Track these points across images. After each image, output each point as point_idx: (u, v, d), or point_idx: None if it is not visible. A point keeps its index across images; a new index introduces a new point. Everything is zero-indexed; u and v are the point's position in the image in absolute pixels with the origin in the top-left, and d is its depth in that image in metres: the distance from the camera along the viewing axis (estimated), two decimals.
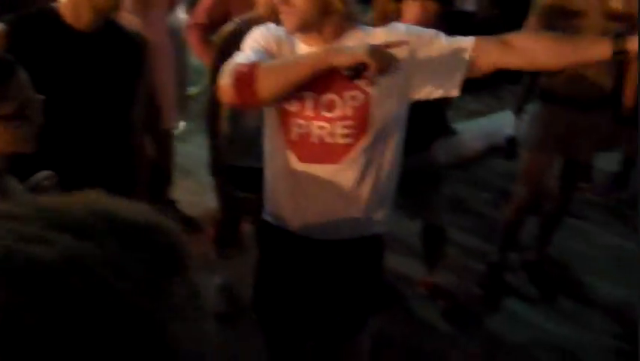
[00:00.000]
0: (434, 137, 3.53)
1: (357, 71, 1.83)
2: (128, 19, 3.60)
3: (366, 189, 2.08)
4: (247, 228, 3.76)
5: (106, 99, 2.50)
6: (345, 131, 2.00)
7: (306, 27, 1.95)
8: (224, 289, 3.53)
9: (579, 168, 3.85)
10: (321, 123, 2.00)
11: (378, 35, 1.98)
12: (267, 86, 1.90)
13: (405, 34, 1.98)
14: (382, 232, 2.19)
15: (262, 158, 3.12)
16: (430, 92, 2.01)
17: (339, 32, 1.99)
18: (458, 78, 1.96)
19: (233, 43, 3.01)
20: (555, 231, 4.02)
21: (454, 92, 1.99)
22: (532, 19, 3.54)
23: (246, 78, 1.92)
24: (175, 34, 4.01)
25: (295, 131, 2.04)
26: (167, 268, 0.66)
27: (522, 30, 3.53)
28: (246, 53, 2.04)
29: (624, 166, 5.18)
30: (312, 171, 2.06)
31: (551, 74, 3.56)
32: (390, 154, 2.09)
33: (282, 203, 2.17)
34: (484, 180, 5.20)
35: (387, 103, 2.00)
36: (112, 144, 2.58)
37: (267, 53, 2.02)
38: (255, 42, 2.06)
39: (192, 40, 3.72)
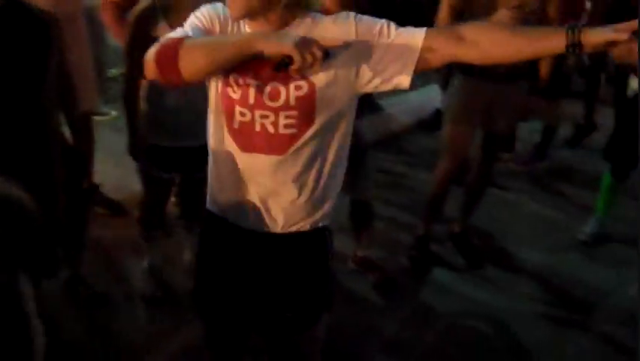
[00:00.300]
0: (360, 113, 3.52)
1: (282, 63, 1.77)
2: None
3: (310, 182, 2.01)
4: (173, 209, 3.72)
5: (11, 82, 2.40)
6: (289, 121, 1.91)
7: (252, 13, 1.87)
8: (152, 273, 3.48)
9: (499, 139, 3.92)
10: (265, 112, 1.91)
11: (327, 24, 1.92)
12: (190, 64, 1.83)
13: (354, 23, 1.91)
14: (327, 224, 2.12)
15: (183, 137, 3.10)
16: (379, 85, 1.94)
17: (287, 20, 1.90)
18: (408, 72, 1.88)
19: (147, 20, 2.96)
20: (479, 201, 4.09)
21: (404, 86, 1.92)
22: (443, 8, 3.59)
23: (169, 54, 1.84)
24: (92, 13, 3.90)
25: (238, 120, 1.95)
26: (18, 237, 0.66)
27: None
28: (183, 28, 1.95)
29: (544, 136, 5.31)
30: (254, 161, 1.98)
31: None
32: (337, 146, 2.01)
33: (224, 193, 2.09)
34: (414, 155, 5.26)
35: (333, 95, 1.92)
36: (22, 129, 2.49)
37: (207, 33, 1.94)
38: (197, 19, 1.97)
39: (107, 19, 3.62)
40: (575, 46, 1.68)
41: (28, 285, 0.68)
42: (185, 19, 2.89)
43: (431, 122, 5.29)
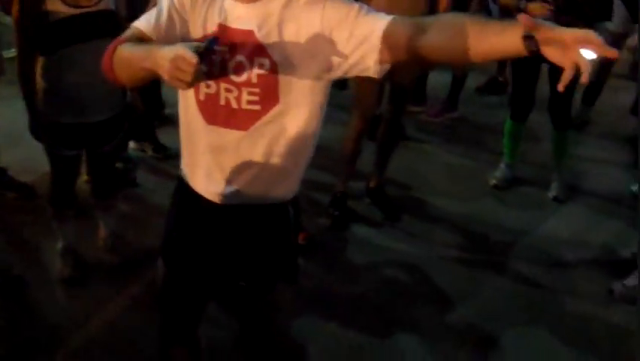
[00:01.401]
0: None
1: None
2: None
3: (272, 159, 1.99)
4: (84, 187, 3.65)
5: None
6: (252, 98, 1.90)
7: None
8: (68, 253, 3.41)
9: (406, 92, 3.96)
10: (229, 86, 1.90)
11: (301, 3, 1.86)
12: (119, 74, 1.91)
13: (322, 5, 1.84)
14: (289, 199, 2.11)
15: (86, 112, 3.02)
16: (347, 70, 1.86)
17: None
18: (372, 61, 1.80)
19: None
20: (391, 155, 4.15)
21: (372, 73, 1.83)
22: None
23: (107, 60, 1.90)
24: None
25: (204, 92, 1.94)
26: None
27: None
28: (150, 13, 1.96)
29: (453, 87, 5.40)
30: (217, 135, 1.97)
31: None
32: (304, 126, 1.97)
33: (189, 162, 2.10)
34: (325, 115, 5.24)
35: (298, 75, 1.88)
36: None
37: (176, 12, 1.93)
38: (166, 2, 1.96)
39: None
40: (531, 39, 1.47)
41: None
42: None
43: (340, 81, 5.32)
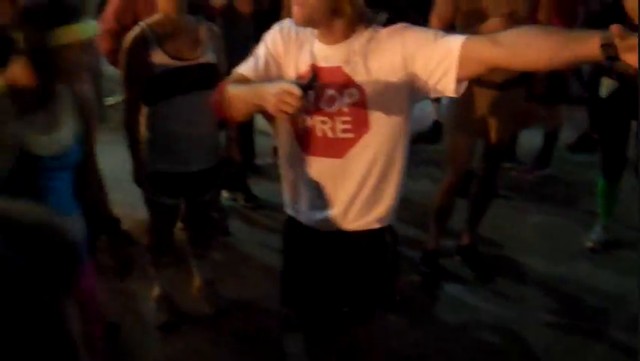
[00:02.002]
0: None
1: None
2: None
3: (368, 183, 2.16)
4: (180, 235, 3.71)
5: None
6: (345, 126, 2.09)
7: (313, 23, 2.06)
8: (164, 300, 3.46)
9: (500, 148, 3.91)
10: (323, 118, 2.10)
11: (381, 36, 2.06)
12: (227, 107, 2.15)
13: (403, 33, 2.04)
14: (386, 225, 2.27)
15: (187, 162, 3.09)
16: (428, 90, 2.05)
17: (349, 32, 2.07)
18: (452, 79, 1.95)
19: (141, 47, 2.97)
20: (484, 213, 4.08)
21: (450, 93, 1.99)
22: (437, 5, 3.61)
23: (217, 100, 2.16)
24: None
25: (301, 126, 2.14)
26: (56, 263, 0.70)
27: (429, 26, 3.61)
28: (249, 60, 2.21)
29: (545, 143, 5.30)
30: (316, 164, 2.17)
31: None
32: (395, 150, 2.16)
33: (292, 195, 2.30)
34: (415, 168, 5.23)
35: (385, 102, 2.06)
36: None
37: (272, 57, 2.16)
38: (263, 46, 2.21)
39: (104, 48, 3.61)
40: (609, 46, 1.59)
41: (73, 308, 0.73)
42: (177, 44, 2.97)
43: (430, 135, 5.29)
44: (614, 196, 4.31)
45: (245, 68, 2.21)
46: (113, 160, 4.38)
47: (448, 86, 1.97)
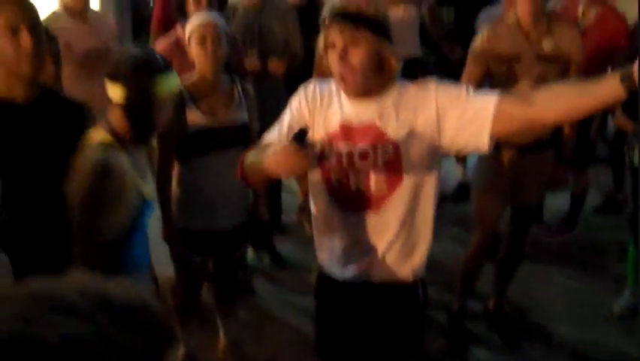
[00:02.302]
0: None
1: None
2: (71, 86, 3.57)
3: (402, 235, 2.19)
4: (206, 294, 3.69)
5: (51, 172, 2.42)
6: (380, 181, 2.13)
7: (365, 89, 2.09)
8: (189, 360, 3.42)
9: (529, 211, 3.89)
10: (357, 174, 2.14)
11: (411, 90, 2.12)
12: (248, 175, 2.21)
13: (434, 88, 2.09)
14: (420, 278, 2.30)
15: (217, 220, 3.09)
16: (460, 147, 2.10)
17: (380, 91, 2.12)
18: (485, 135, 2.00)
19: (176, 106, 3.00)
20: (512, 276, 4.03)
21: (484, 149, 2.04)
22: (468, 66, 3.63)
23: (240, 165, 2.23)
24: None
25: (335, 182, 2.19)
26: (155, 344, 0.71)
27: (462, 77, 3.65)
28: (275, 127, 2.27)
29: (572, 205, 5.26)
30: (351, 219, 2.20)
31: None
32: (426, 203, 2.19)
33: (325, 250, 2.32)
34: (440, 229, 5.18)
35: (419, 155, 2.11)
36: (60, 216, 2.50)
37: (296, 122, 2.18)
38: (288, 112, 2.25)
39: None
40: (629, 79, 1.70)
41: None
42: (212, 103, 3.02)
43: (454, 195, 5.29)
44: None
45: (270, 137, 2.26)
46: None
47: (481, 141, 2.01)
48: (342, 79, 2.06)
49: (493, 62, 3.58)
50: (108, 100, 3.81)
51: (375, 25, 2.02)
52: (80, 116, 2.59)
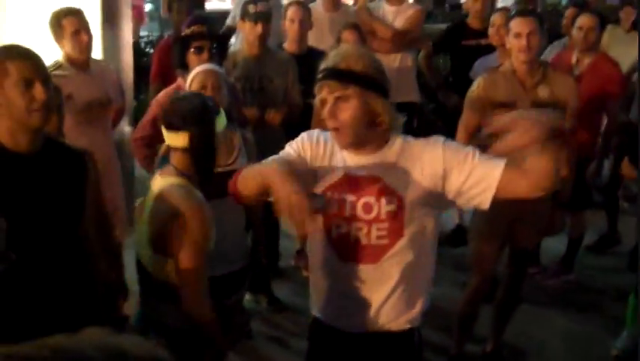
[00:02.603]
0: None
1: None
2: (73, 136, 3.64)
3: (400, 286, 2.21)
4: None
5: (54, 219, 2.47)
6: (380, 233, 2.15)
7: (358, 142, 2.14)
8: None
9: (526, 254, 3.92)
10: (359, 224, 2.16)
11: (417, 144, 2.17)
12: (241, 188, 2.23)
13: (442, 147, 2.14)
14: (417, 326, 2.32)
15: (213, 265, 3.11)
16: (462, 204, 2.18)
17: (380, 144, 2.17)
18: (488, 197, 2.08)
19: None
20: (509, 319, 4.05)
21: (484, 207, 2.12)
22: (465, 113, 3.70)
23: (232, 181, 2.26)
24: (121, 147, 4.04)
25: (335, 231, 2.20)
26: None
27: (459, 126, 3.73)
28: (275, 156, 2.29)
29: (569, 248, 5.29)
30: (350, 269, 2.21)
31: None
32: (425, 255, 2.25)
33: (322, 298, 2.33)
34: (436, 273, 5.19)
35: (422, 210, 2.15)
36: (64, 262, 2.55)
37: (297, 157, 2.23)
38: (290, 145, 2.29)
39: (138, 154, 3.73)
40: None
41: None
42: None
43: (452, 239, 5.32)
44: None
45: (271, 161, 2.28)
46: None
47: (483, 202, 2.09)
48: (335, 133, 2.14)
49: (489, 110, 3.66)
50: (110, 147, 3.92)
51: (364, 82, 2.09)
52: (81, 164, 2.66)
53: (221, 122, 2.48)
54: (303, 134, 2.32)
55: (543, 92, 3.61)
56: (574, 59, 4.91)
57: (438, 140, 2.17)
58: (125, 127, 4.32)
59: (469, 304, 3.89)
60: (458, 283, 4.54)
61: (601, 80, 4.75)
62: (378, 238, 2.16)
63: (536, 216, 3.76)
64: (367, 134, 2.13)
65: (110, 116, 4.05)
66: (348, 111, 2.08)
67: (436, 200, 2.16)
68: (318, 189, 2.20)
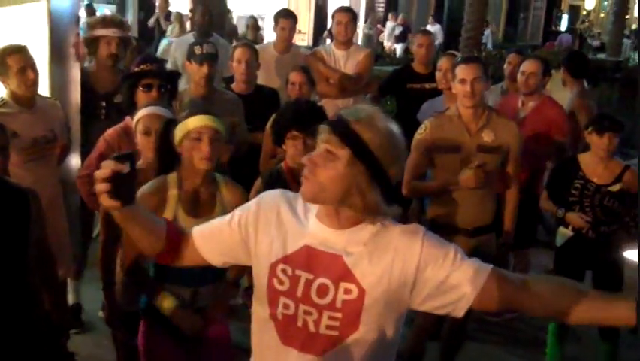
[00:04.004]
0: None
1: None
2: (19, 173, 3.60)
3: None
4: None
5: None
6: (332, 323, 1.86)
7: (319, 201, 1.87)
8: None
9: None
10: (309, 308, 1.87)
11: (394, 233, 1.88)
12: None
13: (421, 240, 1.86)
14: None
15: None
16: (433, 308, 1.87)
17: (354, 222, 1.88)
18: (465, 306, 1.83)
19: None
20: (456, 355, 4.09)
21: (458, 315, 1.86)
22: (412, 156, 3.78)
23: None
24: (67, 184, 4.00)
25: (281, 311, 1.91)
26: None
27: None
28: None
29: None
30: (288, 356, 1.91)
31: (437, 203, 3.80)
32: (382, 351, 1.92)
33: None
34: None
35: (384, 304, 1.85)
36: (5, 300, 2.51)
37: (245, 223, 1.98)
38: (244, 208, 2.03)
39: (83, 192, 3.69)
40: None
41: None
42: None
43: None
44: (563, 339, 4.39)
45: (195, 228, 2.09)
46: (92, 297, 4.39)
47: (457, 310, 1.84)
48: (304, 181, 1.87)
49: (435, 152, 3.75)
50: (56, 184, 3.88)
51: (362, 152, 1.81)
52: (24, 203, 2.64)
53: None
54: (257, 200, 2.02)
55: (487, 137, 3.72)
56: (519, 103, 5.09)
57: (418, 229, 1.90)
58: (73, 160, 4.30)
59: (415, 341, 3.92)
60: (406, 321, 4.54)
61: (546, 120, 4.93)
62: (328, 328, 1.86)
63: (481, 253, 3.78)
64: (338, 206, 1.86)
65: (56, 153, 4.01)
66: (329, 173, 1.82)
67: (403, 300, 1.85)
68: (272, 258, 1.93)
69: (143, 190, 2.75)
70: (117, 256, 3.15)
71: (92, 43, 4.67)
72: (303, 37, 10.78)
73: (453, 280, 1.81)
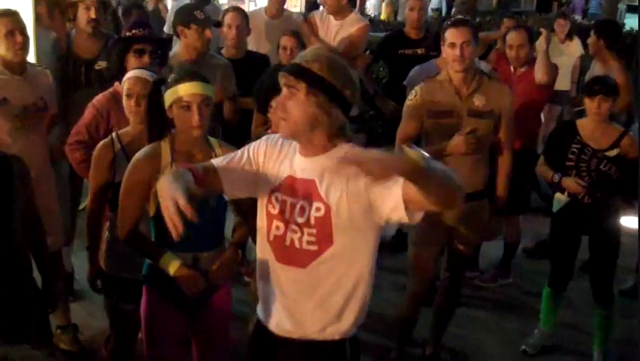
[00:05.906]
0: None
1: None
2: (8, 141, 3.55)
3: (334, 299, 2.21)
4: (141, 346, 3.64)
5: None
6: (310, 238, 2.17)
7: (298, 135, 2.17)
8: None
9: (464, 259, 3.97)
10: (294, 227, 2.19)
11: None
12: None
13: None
14: (349, 336, 2.28)
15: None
16: (387, 218, 2.10)
17: (328, 146, 2.18)
18: (401, 212, 2.03)
19: (107, 155, 3.04)
20: (448, 321, 4.10)
21: (407, 221, 2.05)
22: (404, 121, 3.75)
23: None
24: (57, 153, 3.96)
25: (273, 233, 2.24)
26: None
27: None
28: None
29: (506, 252, 5.39)
30: (284, 272, 2.24)
31: None
32: (358, 267, 2.21)
33: (263, 300, 2.35)
34: (378, 276, 5.20)
35: (350, 220, 2.13)
36: None
37: (248, 161, 2.30)
38: (243, 150, 2.35)
39: (72, 159, 3.65)
40: None
41: None
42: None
43: (393, 244, 5.35)
44: (556, 304, 4.39)
45: (216, 160, 2.36)
46: (82, 267, 4.38)
47: (401, 217, 2.05)
48: (282, 123, 2.18)
49: (427, 117, 3.71)
50: (45, 153, 3.84)
51: (315, 81, 2.11)
52: (7, 169, 2.61)
53: None
54: (265, 138, 2.36)
55: (478, 101, 3.68)
56: (512, 68, 5.08)
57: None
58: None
59: (408, 308, 3.93)
60: (398, 287, 4.58)
61: (533, 87, 4.91)
62: (309, 243, 2.18)
63: (473, 220, 3.80)
64: (311, 134, 2.16)
65: (46, 122, 3.96)
66: (295, 105, 2.13)
67: (367, 212, 2.12)
68: (266, 190, 2.25)
69: (137, 158, 2.78)
70: (103, 223, 3.14)
71: (71, 8, 4.60)
72: (296, 4, 10.61)
73: (387, 191, 2.04)
